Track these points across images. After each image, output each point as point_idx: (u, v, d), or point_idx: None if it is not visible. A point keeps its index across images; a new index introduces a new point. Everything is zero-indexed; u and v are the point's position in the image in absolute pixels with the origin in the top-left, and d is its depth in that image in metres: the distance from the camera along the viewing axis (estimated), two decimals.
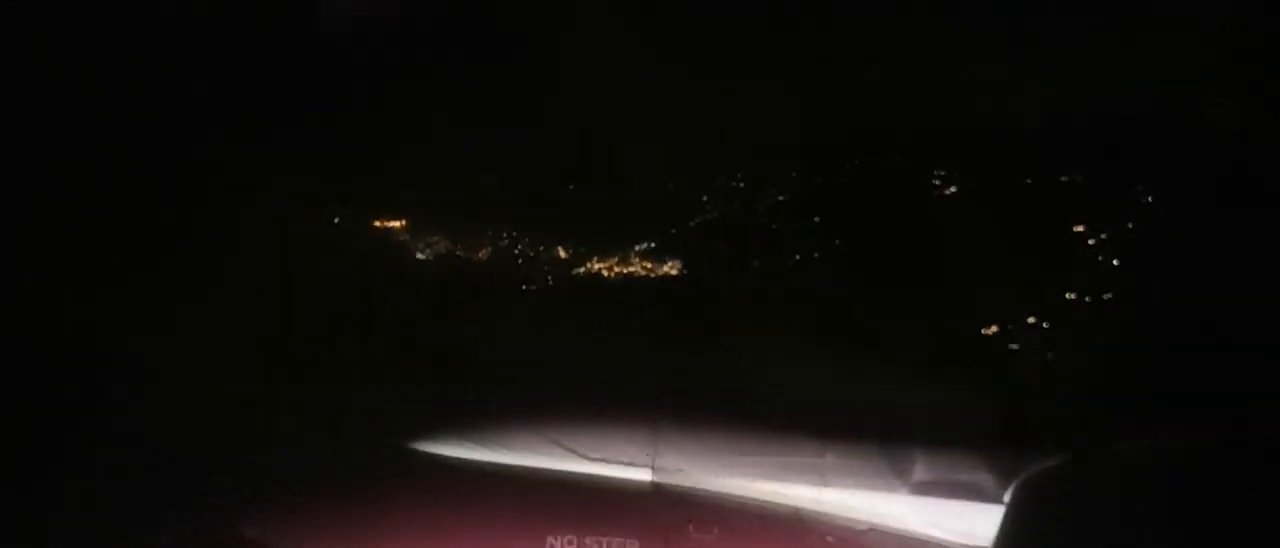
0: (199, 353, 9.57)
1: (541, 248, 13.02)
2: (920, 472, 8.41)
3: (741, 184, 13.36)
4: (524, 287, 12.79)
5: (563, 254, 13.08)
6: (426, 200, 13.19)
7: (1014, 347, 10.93)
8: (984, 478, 8.34)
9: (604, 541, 8.15)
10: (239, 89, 12.58)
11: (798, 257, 12.62)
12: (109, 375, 9.18)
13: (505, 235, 13.21)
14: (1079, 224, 12.05)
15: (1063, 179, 12.65)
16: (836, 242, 12.54)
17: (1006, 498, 8.28)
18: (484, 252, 13.16)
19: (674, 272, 12.92)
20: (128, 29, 12.35)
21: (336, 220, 13.07)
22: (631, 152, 13.02)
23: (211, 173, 12.00)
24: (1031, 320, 11.22)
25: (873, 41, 12.93)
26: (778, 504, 8.47)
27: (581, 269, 12.95)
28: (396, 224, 13.28)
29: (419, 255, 13.08)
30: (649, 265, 12.95)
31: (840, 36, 13.00)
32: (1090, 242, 12.02)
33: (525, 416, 8.87)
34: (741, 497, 8.51)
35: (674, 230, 13.13)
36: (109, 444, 8.39)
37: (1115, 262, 11.73)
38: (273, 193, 12.32)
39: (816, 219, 12.82)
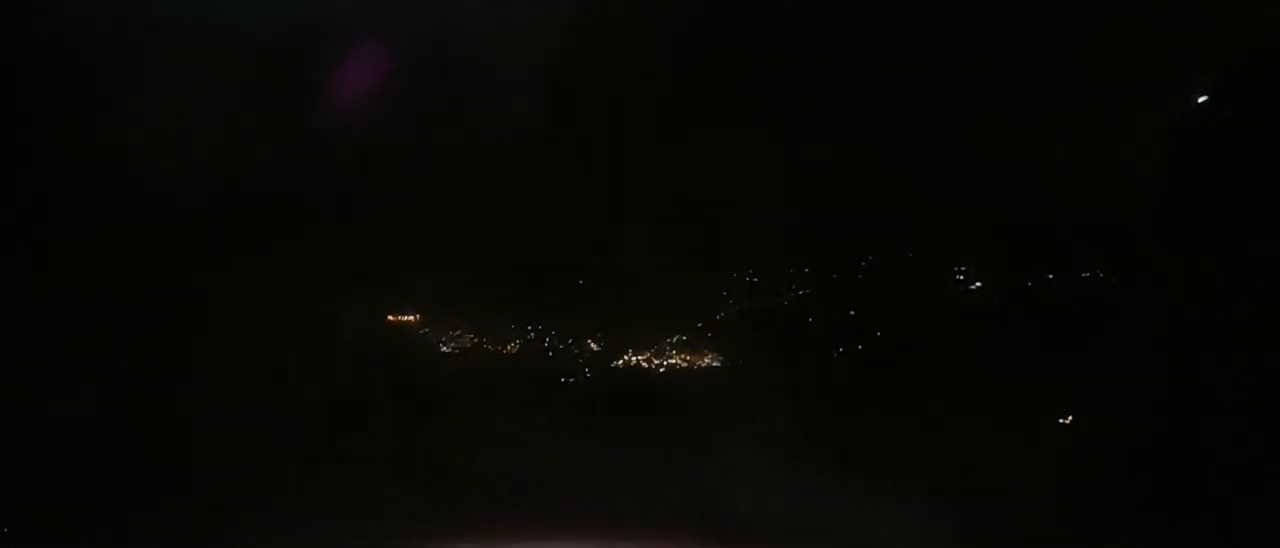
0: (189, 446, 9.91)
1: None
2: None
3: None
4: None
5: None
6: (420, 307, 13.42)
7: (991, 460, 10.80)
8: None
9: None
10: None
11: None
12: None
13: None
14: (1075, 333, 11.86)
15: (1078, 277, 12.37)
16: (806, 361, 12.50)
17: None
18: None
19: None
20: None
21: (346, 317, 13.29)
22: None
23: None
24: (1013, 434, 11.09)
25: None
26: None
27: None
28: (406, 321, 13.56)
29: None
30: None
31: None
32: (1080, 355, 11.85)
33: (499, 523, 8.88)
34: None
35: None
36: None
37: (1099, 377, 11.58)
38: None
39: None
